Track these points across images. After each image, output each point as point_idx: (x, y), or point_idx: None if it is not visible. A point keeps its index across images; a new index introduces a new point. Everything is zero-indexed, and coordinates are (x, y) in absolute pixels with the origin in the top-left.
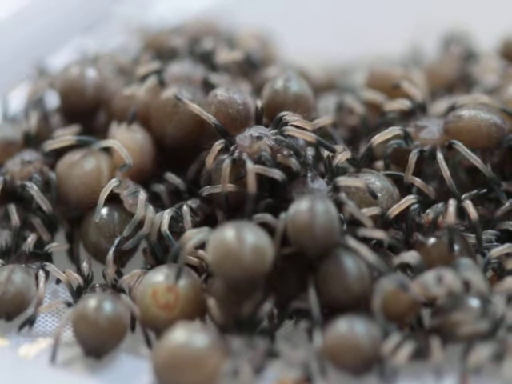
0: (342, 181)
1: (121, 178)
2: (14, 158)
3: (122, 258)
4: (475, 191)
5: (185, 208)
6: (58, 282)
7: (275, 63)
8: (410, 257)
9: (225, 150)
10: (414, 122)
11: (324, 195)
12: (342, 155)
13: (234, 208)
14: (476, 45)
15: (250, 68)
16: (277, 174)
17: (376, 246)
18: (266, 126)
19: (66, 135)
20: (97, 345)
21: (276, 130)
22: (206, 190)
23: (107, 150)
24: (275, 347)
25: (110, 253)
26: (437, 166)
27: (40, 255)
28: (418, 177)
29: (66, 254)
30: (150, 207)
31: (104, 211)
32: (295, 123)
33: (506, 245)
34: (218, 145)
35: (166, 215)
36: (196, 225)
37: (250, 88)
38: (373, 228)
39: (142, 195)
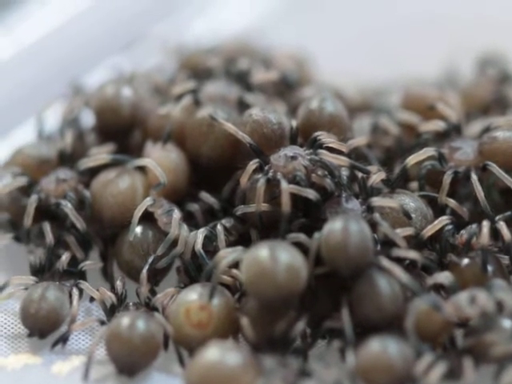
0: (376, 201)
1: (155, 196)
2: (49, 176)
3: (156, 277)
4: (509, 212)
5: (219, 227)
6: (92, 300)
7: (310, 83)
8: (444, 277)
9: (259, 169)
10: (449, 144)
11: (358, 215)
12: (377, 176)
13: (268, 227)
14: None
15: (285, 88)
16: (311, 193)
17: (410, 266)
18: (301, 146)
19: (100, 154)
20: (130, 363)
21: (311, 150)
22: (240, 210)
23: (142, 169)
24: (308, 366)
25: (144, 271)
26: (471, 187)
27: (74, 273)
28: (452, 198)
29: (99, 272)
30: (184, 226)
31: (138, 230)
32: (330, 145)
33: None
34: (253, 164)
35: (200, 234)
36: (230, 244)
37: (285, 108)
38: (406, 248)
39: (176, 214)
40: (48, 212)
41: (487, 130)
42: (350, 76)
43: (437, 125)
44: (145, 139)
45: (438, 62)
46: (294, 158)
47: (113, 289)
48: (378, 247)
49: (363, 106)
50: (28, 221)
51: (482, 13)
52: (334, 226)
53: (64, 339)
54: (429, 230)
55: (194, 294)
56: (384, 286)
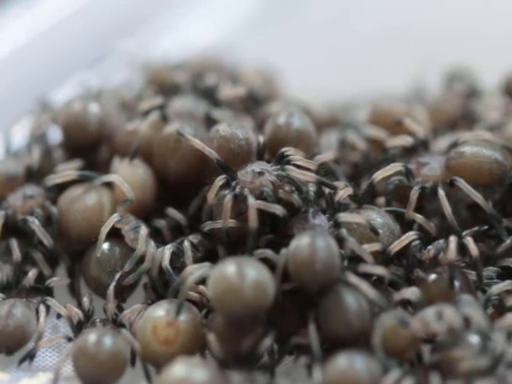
0: (344, 217)
1: (122, 213)
2: (16, 192)
3: (123, 293)
4: (476, 228)
5: (186, 243)
6: (59, 316)
7: (278, 99)
8: (411, 293)
9: (226, 185)
10: (416, 159)
11: (325, 231)
12: (344, 191)
13: (235, 243)
14: (479, 82)
15: (252, 104)
16: (278, 209)
17: (377, 282)
18: (268, 162)
19: (68, 170)
20: (97, 379)
21: (278, 166)
22: (208, 226)
23: (109, 185)
24: (275, 383)
25: (111, 287)
26: (438, 202)
27: (41, 290)
28: (420, 213)
29: (66, 288)
30: (151, 242)
31: (105, 246)
32: (297, 163)
33: (507, 282)
34: (220, 180)
35: (167, 250)
36: (197, 260)
37: (253, 124)
38: (374, 264)
39: (144, 230)
40: (15, 228)
41: (454, 145)
42: (317, 91)
43: (404, 140)
44: (112, 155)
45: (406, 77)
46: (261, 173)
47: (80, 305)
48: (345, 263)
49: (331, 121)
50: None
51: (450, 28)
52: (301, 242)
53: (31, 356)
54: (396, 246)
55: (161, 311)
56: (351, 302)
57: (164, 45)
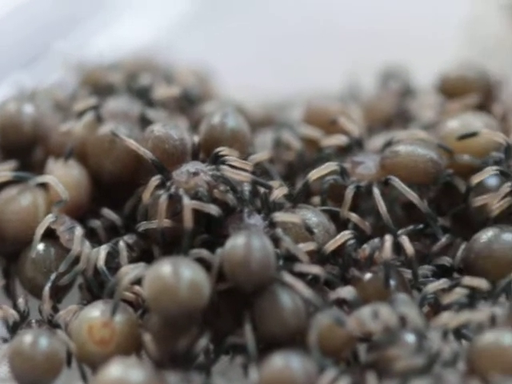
0: (279, 216)
1: (57, 213)
2: None
3: (58, 294)
4: (411, 226)
5: (121, 243)
6: None
7: (212, 99)
8: (346, 292)
9: (161, 185)
10: (351, 158)
11: (260, 231)
12: (279, 191)
13: (171, 243)
14: (413, 81)
15: (187, 104)
16: (213, 209)
17: (312, 281)
18: (203, 162)
19: (2, 171)
20: (33, 380)
21: (213, 166)
22: (143, 226)
23: (44, 186)
24: (211, 382)
25: (46, 288)
26: (373, 201)
27: None
28: (355, 212)
29: (1, 289)
30: (87, 243)
31: (40, 247)
32: (232, 163)
33: (442, 280)
34: (155, 180)
35: (102, 251)
36: (132, 260)
37: (187, 124)
38: (309, 263)
39: (79, 231)
40: None
41: (389, 144)
42: (251, 91)
43: (339, 139)
44: (47, 156)
45: (341, 77)
46: (195, 173)
47: (15, 306)
48: (281, 262)
49: (265, 121)
50: None
51: (384, 27)
52: (236, 242)
53: None
54: (331, 245)
55: (96, 311)
56: (286, 302)
57: (98, 45)
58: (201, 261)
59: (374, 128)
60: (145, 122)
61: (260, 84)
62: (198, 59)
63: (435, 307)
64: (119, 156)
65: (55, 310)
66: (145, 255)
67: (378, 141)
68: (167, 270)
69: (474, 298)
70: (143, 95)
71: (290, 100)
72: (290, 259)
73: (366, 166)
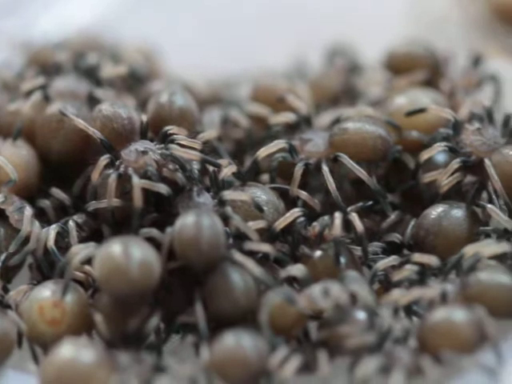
0: (228, 195)
1: (6, 193)
2: None
3: (9, 274)
4: (361, 203)
5: (71, 223)
6: None
7: (160, 77)
8: (297, 270)
9: (110, 164)
10: (299, 135)
11: (210, 209)
12: (228, 169)
13: (121, 223)
14: (360, 58)
15: (134, 82)
16: (162, 188)
17: (262, 259)
18: (152, 141)
19: None
20: None
21: (161, 145)
22: (92, 205)
23: None
24: (162, 362)
25: None
26: (322, 178)
27: None
28: (304, 190)
29: None
30: (36, 223)
31: None
32: (181, 142)
33: (392, 257)
34: (104, 160)
35: (52, 231)
36: (82, 240)
37: (135, 102)
38: (259, 242)
39: (28, 211)
40: None
41: (337, 121)
42: (199, 69)
43: (287, 117)
44: None
45: (288, 54)
46: (144, 152)
47: None
48: (231, 241)
49: (213, 99)
50: None
51: (330, 5)
52: (185, 221)
53: None
54: (281, 223)
55: (46, 291)
56: (237, 280)
57: (44, 24)
58: (151, 240)
59: (322, 105)
60: (93, 101)
61: (206, 63)
62: (145, 38)
63: (385, 284)
64: (67, 135)
65: (5, 290)
66: (95, 235)
67: (326, 118)
68: (117, 249)
69: (424, 274)
70: (90, 74)
71: (236, 78)
72: (239, 237)
73: (315, 143)
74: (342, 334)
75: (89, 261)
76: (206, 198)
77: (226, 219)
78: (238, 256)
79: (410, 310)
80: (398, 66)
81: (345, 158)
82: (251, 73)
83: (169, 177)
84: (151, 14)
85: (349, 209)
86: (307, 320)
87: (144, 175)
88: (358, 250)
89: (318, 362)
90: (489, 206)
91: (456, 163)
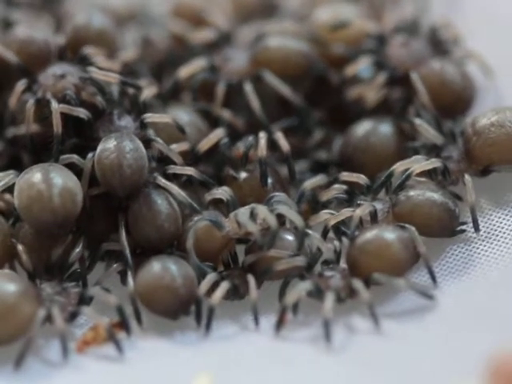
0: (149, 117)
1: None
2: None
3: None
4: (285, 122)
5: None
6: None
7: None
8: (222, 192)
9: (28, 89)
10: (221, 53)
11: (131, 133)
12: (148, 91)
13: (40, 149)
14: None
15: (49, 3)
16: (82, 112)
17: (187, 183)
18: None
19: None
20: None
21: (80, 67)
22: (10, 132)
23: None
24: (87, 291)
25: None
26: (246, 97)
27: None
28: (227, 109)
29: None
30: None
31: None
32: (99, 64)
33: (320, 176)
34: (21, 85)
35: None
36: (1, 168)
37: (51, 24)
38: (183, 164)
39: None
40: None
41: (259, 37)
42: None
43: (207, 34)
44: None
45: None
46: (63, 76)
47: None
48: (154, 165)
49: (131, 17)
50: None
51: None
52: (106, 146)
53: None
54: (204, 144)
55: None
56: (161, 205)
57: None
58: (72, 166)
59: (243, 21)
60: (7, 24)
61: None
62: None
63: (313, 204)
64: None
65: None
66: (14, 162)
67: (247, 34)
68: (38, 177)
69: (352, 193)
70: None
71: None
72: (163, 161)
73: (237, 61)
74: (271, 258)
75: (9, 189)
76: (127, 122)
77: (148, 142)
78: (162, 180)
79: (339, 230)
80: None
81: (267, 76)
82: None
83: (88, 100)
84: None
85: (274, 128)
86: (235, 244)
87: (63, 99)
88: (284, 170)
89: (247, 287)
90: (417, 120)
91: (382, 77)
